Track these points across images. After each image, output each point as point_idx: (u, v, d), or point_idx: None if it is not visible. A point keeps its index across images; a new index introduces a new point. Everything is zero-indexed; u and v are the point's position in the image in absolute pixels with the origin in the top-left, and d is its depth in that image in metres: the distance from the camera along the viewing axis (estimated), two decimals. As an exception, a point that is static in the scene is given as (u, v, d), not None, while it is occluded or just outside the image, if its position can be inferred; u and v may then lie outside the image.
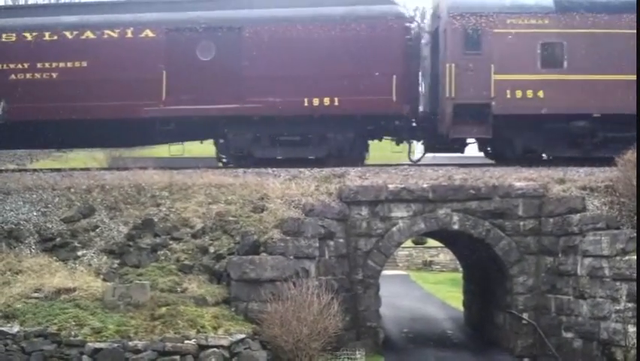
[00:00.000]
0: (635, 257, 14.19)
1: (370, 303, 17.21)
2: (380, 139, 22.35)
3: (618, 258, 14.58)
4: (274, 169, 19.45)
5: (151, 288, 14.17)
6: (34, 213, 16.96)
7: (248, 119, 20.54)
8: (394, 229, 17.48)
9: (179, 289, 14.61)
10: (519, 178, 17.91)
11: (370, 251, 17.36)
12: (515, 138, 20.42)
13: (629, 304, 14.04)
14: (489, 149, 21.69)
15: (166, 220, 16.61)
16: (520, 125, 20.13)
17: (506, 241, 17.27)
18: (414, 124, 21.60)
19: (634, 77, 18.97)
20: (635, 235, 14.59)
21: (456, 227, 17.48)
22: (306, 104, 20.43)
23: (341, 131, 20.62)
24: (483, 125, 20.19)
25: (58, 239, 16.34)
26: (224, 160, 21.86)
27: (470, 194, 17.44)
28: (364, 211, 17.46)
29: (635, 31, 19.50)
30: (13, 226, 16.53)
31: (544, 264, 16.98)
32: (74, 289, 14.21)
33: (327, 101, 20.39)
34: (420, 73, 21.49)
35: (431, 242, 34.78)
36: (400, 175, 18.61)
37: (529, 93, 20.00)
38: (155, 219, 16.62)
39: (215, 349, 12.93)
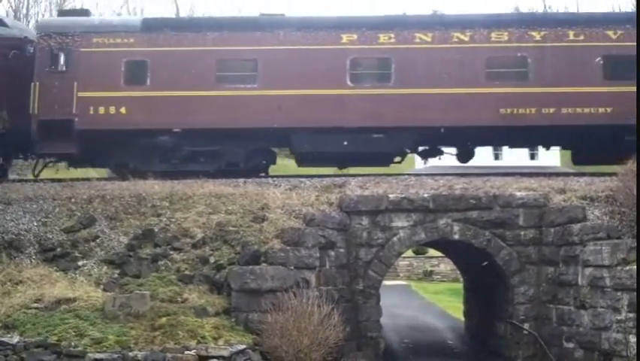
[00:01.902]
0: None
1: (371, 313, 17.16)
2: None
3: (619, 268, 14.54)
4: (274, 179, 19.49)
5: (151, 298, 14.16)
6: (35, 224, 16.96)
7: None
8: (395, 238, 17.46)
9: (179, 299, 14.58)
10: (520, 188, 17.92)
11: (371, 261, 17.33)
12: (107, 152, 21.02)
13: (630, 315, 14.01)
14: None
15: (166, 230, 16.61)
16: (108, 140, 20.70)
17: (507, 251, 17.26)
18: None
19: (213, 93, 20.44)
20: (635, 244, 14.58)
21: (456, 237, 17.47)
22: None
23: None
24: (67, 141, 20.58)
25: (58, 249, 16.32)
26: None
27: (471, 204, 17.44)
28: (365, 221, 17.45)
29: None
30: (14, 236, 16.52)
31: (545, 274, 16.96)
32: (74, 300, 14.18)
33: None
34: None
35: (432, 252, 34.79)
36: (401, 185, 18.61)
37: (112, 110, 20.58)
38: (156, 230, 16.61)
39: (215, 360, 12.87)
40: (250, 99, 20.57)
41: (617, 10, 45.15)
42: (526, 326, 16.95)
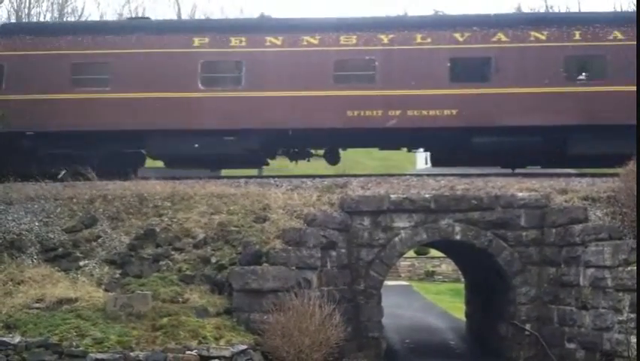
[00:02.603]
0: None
1: (372, 313, 17.16)
2: None
3: (620, 268, 14.55)
4: (276, 179, 19.50)
5: (152, 298, 14.18)
6: (36, 224, 16.98)
7: None
8: (396, 239, 17.45)
9: (180, 299, 14.59)
10: (521, 188, 17.89)
11: (372, 261, 17.32)
12: None
13: (632, 315, 14.01)
14: None
15: (168, 230, 16.62)
16: None
17: (508, 252, 17.24)
18: None
19: (67, 96, 20.68)
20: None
21: (458, 237, 17.45)
22: None
23: None
24: None
25: (60, 249, 16.35)
26: None
27: (472, 204, 17.42)
28: (366, 221, 17.44)
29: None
30: (15, 237, 16.56)
31: (547, 274, 16.94)
32: (76, 300, 14.21)
33: None
34: None
35: (433, 252, 34.77)
36: (402, 185, 18.59)
37: None
38: (157, 230, 16.62)
39: (216, 360, 12.89)
40: (103, 102, 20.75)
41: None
42: (527, 326, 16.93)
